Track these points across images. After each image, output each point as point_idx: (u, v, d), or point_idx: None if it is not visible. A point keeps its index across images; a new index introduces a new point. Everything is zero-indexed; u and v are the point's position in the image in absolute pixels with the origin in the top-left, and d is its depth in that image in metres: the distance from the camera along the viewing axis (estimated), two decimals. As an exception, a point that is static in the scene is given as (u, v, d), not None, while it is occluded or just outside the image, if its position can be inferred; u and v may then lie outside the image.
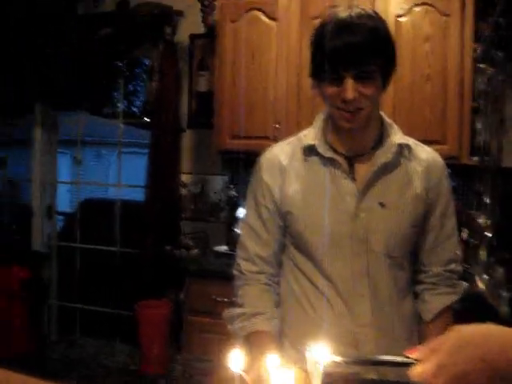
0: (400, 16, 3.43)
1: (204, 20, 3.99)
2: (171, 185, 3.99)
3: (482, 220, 1.35)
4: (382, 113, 1.82)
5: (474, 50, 3.35)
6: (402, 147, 1.77)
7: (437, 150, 3.30)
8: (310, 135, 1.81)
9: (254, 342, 1.74)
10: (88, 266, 4.86)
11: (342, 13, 1.66)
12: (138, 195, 4.50)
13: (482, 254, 1.42)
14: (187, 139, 4.21)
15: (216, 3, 3.80)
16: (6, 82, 4.42)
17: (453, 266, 1.84)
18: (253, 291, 1.84)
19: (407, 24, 3.42)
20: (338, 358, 1.14)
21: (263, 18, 3.66)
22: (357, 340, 1.71)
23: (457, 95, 3.37)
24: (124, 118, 4.90)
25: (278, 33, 3.63)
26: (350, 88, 1.60)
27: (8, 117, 5.05)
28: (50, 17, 4.21)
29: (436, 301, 1.82)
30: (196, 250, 3.83)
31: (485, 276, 1.41)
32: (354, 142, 1.76)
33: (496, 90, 1.63)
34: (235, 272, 1.89)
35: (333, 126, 1.78)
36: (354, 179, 1.73)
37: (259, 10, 3.67)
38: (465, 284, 1.90)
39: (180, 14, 4.09)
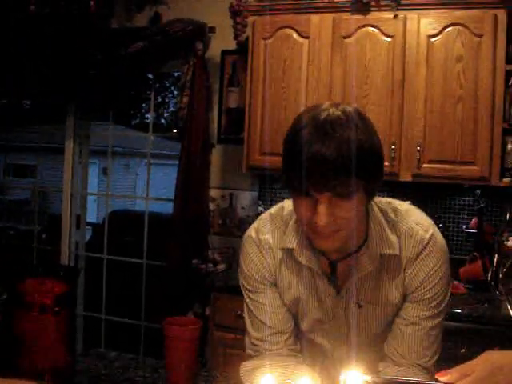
0: (432, 36, 3.43)
1: (236, 36, 4.02)
2: (200, 199, 4.01)
3: (511, 243, 1.34)
4: (370, 208, 1.57)
5: (506, 72, 3.34)
6: (386, 257, 1.57)
7: (467, 172, 3.35)
8: (289, 234, 1.62)
9: None
10: (114, 277, 4.90)
11: (320, 115, 1.37)
12: (166, 207, 4.53)
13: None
14: (216, 154, 4.23)
15: (248, 20, 3.82)
16: (38, 90, 4.49)
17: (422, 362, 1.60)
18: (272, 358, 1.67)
19: (439, 44, 3.42)
20: (369, 378, 1.13)
21: (295, 36, 3.68)
22: None
23: (488, 116, 3.35)
24: (153, 130, 4.95)
25: (309, 51, 3.64)
26: (323, 213, 1.37)
27: (39, 124, 5.15)
28: (83, 31, 4.28)
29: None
30: (223, 265, 3.84)
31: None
32: (333, 250, 1.54)
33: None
34: (249, 352, 1.73)
35: None
36: (334, 281, 1.61)
37: (291, 28, 3.68)
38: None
39: (212, 30, 4.13)
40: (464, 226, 3.80)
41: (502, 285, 1.38)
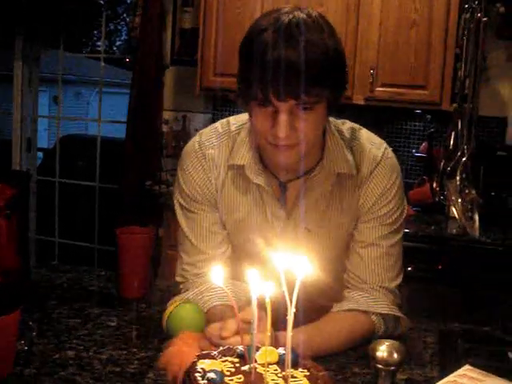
0: (388, -42, 3.40)
1: (189, -46, 3.93)
2: (153, 121, 3.97)
3: (459, 152, 1.39)
4: (327, 126, 1.50)
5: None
6: (342, 176, 1.52)
7: (419, 96, 3.39)
8: (239, 150, 1.52)
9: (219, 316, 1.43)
10: (67, 200, 4.87)
11: (284, 17, 1.28)
12: (119, 133, 4.49)
13: (454, 182, 1.46)
14: (170, 76, 4.18)
15: None
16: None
17: (386, 284, 1.56)
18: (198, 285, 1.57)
19: (395, -33, 3.40)
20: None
21: (249, -48, 3.60)
22: None
23: (441, 41, 3.38)
24: (105, 58, 4.82)
25: (264, -32, 3.57)
26: (284, 124, 1.29)
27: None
28: None
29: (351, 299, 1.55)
30: (176, 187, 3.85)
31: (459, 200, 1.46)
32: (289, 169, 1.49)
33: (478, 36, 1.65)
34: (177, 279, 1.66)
35: None
36: (283, 203, 1.53)
37: None
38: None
39: None
40: (414, 151, 3.88)
41: (447, 185, 1.44)
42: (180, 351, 1.20)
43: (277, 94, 1.27)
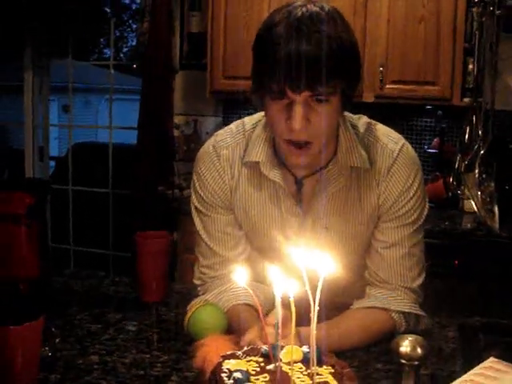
0: (394, -45, 3.41)
1: (195, -41, 3.94)
2: (164, 126, 3.98)
3: (476, 146, 1.38)
4: (341, 121, 1.49)
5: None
6: (356, 169, 1.50)
7: (429, 92, 3.39)
8: (254, 147, 1.52)
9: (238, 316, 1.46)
10: (80, 208, 4.89)
11: (297, 10, 1.29)
12: (130, 139, 4.50)
13: (472, 175, 1.45)
14: (179, 80, 4.19)
15: None
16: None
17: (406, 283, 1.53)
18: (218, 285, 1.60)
19: (401, -37, 3.40)
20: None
21: (256, -45, 3.61)
22: None
23: (450, 36, 3.38)
24: (112, 65, 4.86)
25: (271, -29, 3.58)
26: (299, 116, 1.29)
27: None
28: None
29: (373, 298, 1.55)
30: (189, 190, 3.85)
31: (478, 193, 1.44)
32: (304, 166, 1.47)
33: (489, 31, 1.64)
34: (195, 281, 1.68)
35: None
36: (300, 200, 1.53)
37: None
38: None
39: (171, -47, 4.02)
40: (426, 147, 3.87)
41: (465, 179, 1.43)
42: (216, 350, 1.22)
43: (292, 86, 1.27)
